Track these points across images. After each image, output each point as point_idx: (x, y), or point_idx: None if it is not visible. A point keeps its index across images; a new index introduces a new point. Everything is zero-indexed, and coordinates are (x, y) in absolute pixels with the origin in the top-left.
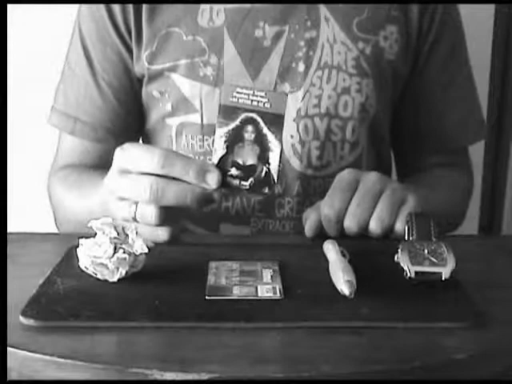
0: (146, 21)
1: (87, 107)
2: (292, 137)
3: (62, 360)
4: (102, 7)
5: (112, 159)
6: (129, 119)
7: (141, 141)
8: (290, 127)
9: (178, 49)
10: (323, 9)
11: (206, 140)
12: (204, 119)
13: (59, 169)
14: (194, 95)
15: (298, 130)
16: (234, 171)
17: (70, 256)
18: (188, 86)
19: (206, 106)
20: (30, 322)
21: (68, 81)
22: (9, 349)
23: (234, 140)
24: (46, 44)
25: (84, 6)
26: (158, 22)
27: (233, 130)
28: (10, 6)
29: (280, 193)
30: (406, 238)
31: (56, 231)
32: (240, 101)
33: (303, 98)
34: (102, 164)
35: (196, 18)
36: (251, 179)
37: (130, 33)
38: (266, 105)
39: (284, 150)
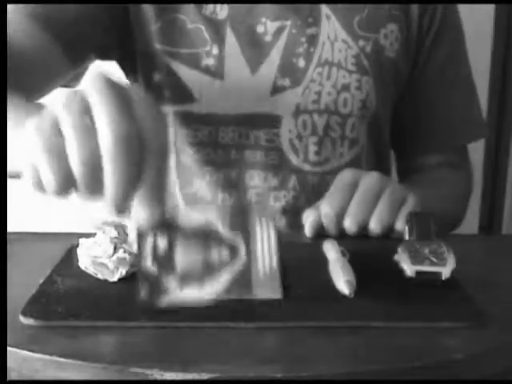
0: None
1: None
2: (290, 131)
3: (62, 360)
4: None
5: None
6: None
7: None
8: (288, 122)
9: (181, 35)
10: (324, 7)
11: (201, 130)
12: (201, 109)
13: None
14: (194, 84)
15: (296, 125)
16: None
17: (70, 256)
18: (188, 75)
19: (204, 96)
20: (30, 321)
21: None
22: (9, 349)
23: None
24: None
25: None
26: (163, 6)
27: None
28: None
29: (276, 186)
30: (406, 237)
31: (56, 231)
32: None
33: (303, 94)
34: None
35: (200, 8)
36: None
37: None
38: None
39: (282, 144)
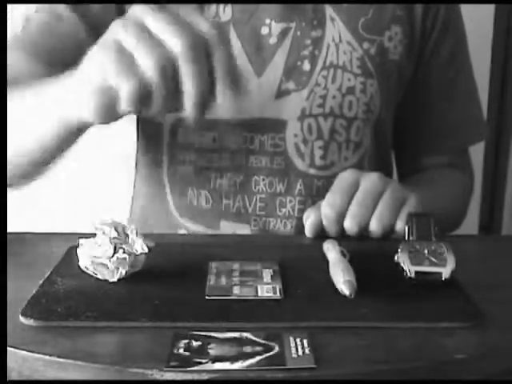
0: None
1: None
2: (296, 136)
3: (62, 360)
4: None
5: None
6: None
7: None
8: (293, 126)
9: None
10: (329, 9)
11: (206, 136)
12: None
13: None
14: None
15: (301, 129)
16: None
17: (70, 256)
18: None
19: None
20: (30, 321)
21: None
22: (9, 349)
23: None
24: None
25: None
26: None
27: None
28: (9, 6)
29: (282, 191)
30: (406, 237)
31: (56, 231)
32: None
33: (308, 98)
34: None
35: (202, 11)
36: None
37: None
38: None
39: (287, 148)
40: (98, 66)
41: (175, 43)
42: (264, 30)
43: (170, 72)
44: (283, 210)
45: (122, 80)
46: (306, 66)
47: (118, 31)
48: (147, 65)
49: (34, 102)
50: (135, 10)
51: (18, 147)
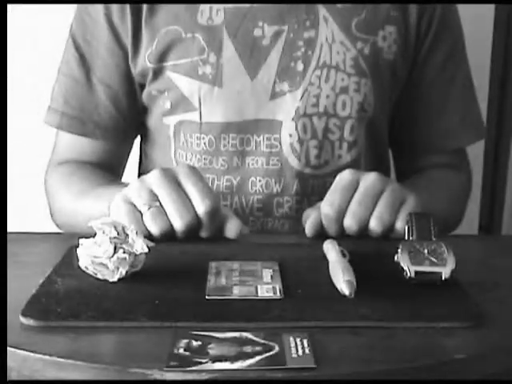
0: (145, 20)
1: (74, 102)
2: (290, 136)
3: (62, 360)
4: (100, 7)
5: (106, 157)
6: (121, 116)
7: (138, 146)
8: (288, 126)
9: (177, 47)
10: (322, 9)
11: (203, 138)
12: (202, 118)
13: (57, 164)
14: (193, 93)
15: (296, 128)
16: None
17: (70, 256)
18: (187, 85)
19: (204, 104)
20: (30, 321)
21: (59, 79)
22: (9, 349)
23: None
24: (47, 44)
25: (81, 5)
26: (157, 20)
27: None
28: (9, 6)
29: (279, 192)
30: (406, 237)
31: (56, 231)
32: None
33: (302, 97)
34: (97, 161)
35: (195, 16)
36: None
37: (126, 32)
38: None
39: (283, 148)
40: (115, 211)
41: (175, 222)
42: (257, 32)
43: (169, 235)
44: (280, 210)
45: (134, 226)
46: (300, 66)
47: (133, 191)
48: (151, 230)
49: (84, 207)
50: (151, 177)
51: (65, 219)
